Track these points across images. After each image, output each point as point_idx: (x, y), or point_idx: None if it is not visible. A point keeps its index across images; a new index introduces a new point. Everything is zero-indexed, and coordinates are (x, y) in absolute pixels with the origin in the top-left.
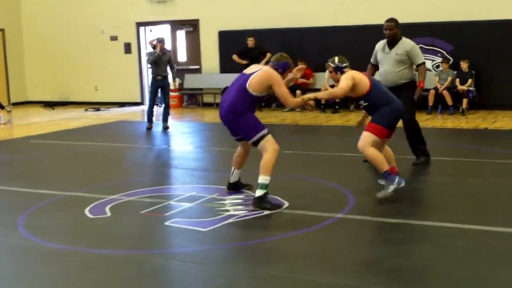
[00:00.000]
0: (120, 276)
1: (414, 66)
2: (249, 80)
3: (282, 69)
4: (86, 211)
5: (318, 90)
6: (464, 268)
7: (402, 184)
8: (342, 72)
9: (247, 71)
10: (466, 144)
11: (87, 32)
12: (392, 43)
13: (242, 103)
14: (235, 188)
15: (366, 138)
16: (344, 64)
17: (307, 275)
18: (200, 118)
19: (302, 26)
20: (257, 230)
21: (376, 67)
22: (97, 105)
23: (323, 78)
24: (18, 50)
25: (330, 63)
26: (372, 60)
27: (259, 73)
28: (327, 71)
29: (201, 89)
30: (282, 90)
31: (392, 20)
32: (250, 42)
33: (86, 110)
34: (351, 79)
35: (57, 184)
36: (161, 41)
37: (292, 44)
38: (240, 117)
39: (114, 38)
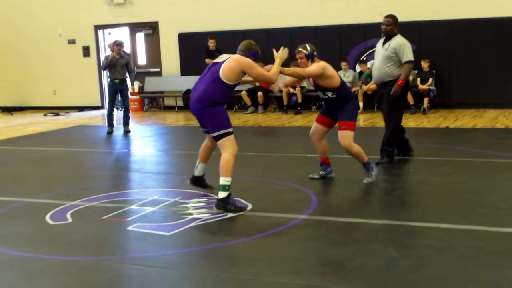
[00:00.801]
0: (83, 283)
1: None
2: (221, 68)
3: (254, 57)
4: (47, 218)
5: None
6: (428, 267)
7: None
8: (313, 60)
9: (217, 60)
10: (428, 143)
11: (45, 36)
12: (387, 39)
13: (213, 92)
14: (197, 182)
15: (348, 136)
16: (315, 53)
17: (272, 277)
18: (161, 121)
19: (262, 27)
20: (221, 233)
21: None
22: (56, 110)
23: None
24: None
25: (301, 49)
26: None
27: (229, 61)
28: (297, 57)
29: (162, 92)
30: (258, 71)
31: (390, 16)
32: (211, 44)
33: (45, 115)
34: (323, 68)
35: (16, 190)
36: (118, 44)
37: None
38: (211, 108)
39: (72, 42)
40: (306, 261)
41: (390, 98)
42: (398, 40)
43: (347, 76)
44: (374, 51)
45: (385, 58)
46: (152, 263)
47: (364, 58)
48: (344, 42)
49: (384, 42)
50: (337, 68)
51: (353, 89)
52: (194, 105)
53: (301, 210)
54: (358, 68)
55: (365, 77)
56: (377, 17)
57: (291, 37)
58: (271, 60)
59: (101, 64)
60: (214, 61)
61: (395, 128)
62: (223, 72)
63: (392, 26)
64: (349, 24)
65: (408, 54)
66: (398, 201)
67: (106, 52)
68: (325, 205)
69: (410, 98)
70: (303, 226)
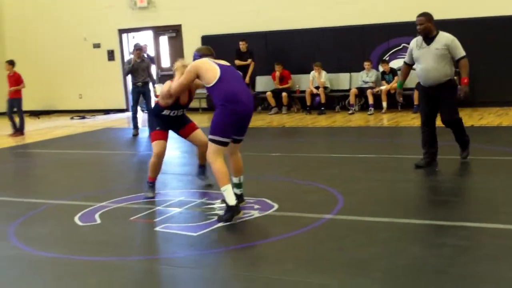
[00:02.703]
0: (112, 283)
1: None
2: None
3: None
4: (76, 219)
5: (294, 92)
6: (456, 267)
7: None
8: None
9: (221, 63)
10: (453, 142)
11: (70, 40)
12: (429, 38)
13: None
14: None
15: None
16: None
17: (298, 276)
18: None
19: (284, 28)
20: (247, 234)
21: (411, 67)
22: (82, 113)
23: (306, 80)
24: (1, 60)
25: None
26: (406, 59)
27: None
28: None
29: None
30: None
31: (422, 15)
32: (242, 45)
33: (71, 118)
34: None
35: (45, 192)
36: (138, 48)
37: (275, 47)
38: None
39: (97, 46)
40: (332, 261)
41: (451, 101)
42: (447, 36)
43: (370, 76)
44: (396, 50)
45: (438, 57)
46: (180, 263)
47: (387, 58)
48: (367, 42)
49: (426, 41)
50: (360, 68)
51: (375, 89)
52: (251, 108)
53: (327, 210)
54: (380, 68)
55: (400, 86)
56: (400, 17)
57: (312, 38)
58: (291, 61)
59: (123, 68)
60: (219, 62)
61: (461, 120)
62: None
63: (426, 24)
64: (372, 24)
65: (461, 49)
66: (424, 200)
67: (130, 55)
68: (351, 205)
69: (417, 97)
70: (329, 226)
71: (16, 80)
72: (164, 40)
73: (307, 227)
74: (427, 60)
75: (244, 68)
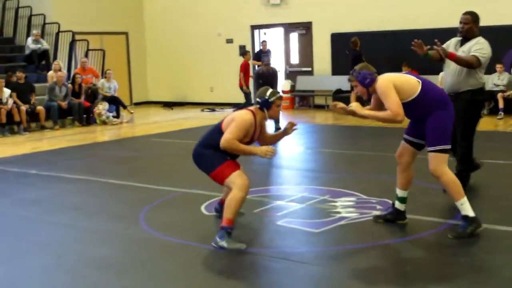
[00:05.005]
0: (233, 273)
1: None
2: None
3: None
4: (202, 208)
5: None
6: None
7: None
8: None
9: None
10: None
11: (205, 36)
12: (464, 41)
13: None
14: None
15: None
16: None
17: (418, 282)
18: (311, 120)
19: (414, 28)
20: (368, 234)
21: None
22: (212, 106)
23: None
24: (140, 53)
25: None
26: None
27: None
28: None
29: (312, 91)
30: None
31: (468, 13)
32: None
33: (202, 110)
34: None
35: (175, 181)
36: (266, 64)
37: (403, 47)
38: None
39: (229, 41)
40: (456, 267)
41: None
42: (477, 39)
43: (502, 79)
44: None
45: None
46: (300, 258)
47: None
48: (500, 43)
49: (461, 45)
50: (492, 70)
51: (507, 93)
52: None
53: (451, 215)
54: None
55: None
56: None
57: (442, 38)
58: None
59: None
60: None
61: (469, 147)
62: None
63: (471, 25)
64: (506, 25)
65: (482, 52)
66: None
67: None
68: (477, 212)
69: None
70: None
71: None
72: (294, 36)
73: (431, 231)
74: (452, 64)
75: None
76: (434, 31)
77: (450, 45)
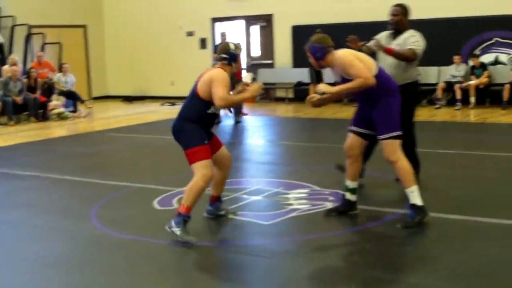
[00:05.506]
0: (185, 267)
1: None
2: None
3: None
4: (155, 203)
5: None
6: None
7: None
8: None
9: None
10: None
11: (165, 28)
12: (396, 33)
13: None
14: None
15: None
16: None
17: (367, 271)
18: (272, 113)
19: (375, 20)
20: (319, 225)
21: None
22: (173, 100)
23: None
24: (99, 47)
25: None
26: None
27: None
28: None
29: (274, 84)
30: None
31: (398, 5)
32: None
33: (162, 104)
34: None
35: (129, 176)
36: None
37: (365, 39)
38: None
39: (190, 34)
40: (402, 255)
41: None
42: (411, 32)
43: (459, 70)
44: (488, 44)
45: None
46: (250, 251)
47: (478, 52)
48: (457, 35)
49: (393, 37)
50: (450, 62)
51: (464, 84)
52: None
53: (400, 205)
54: (470, 63)
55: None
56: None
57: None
58: None
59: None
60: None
61: (411, 140)
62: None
63: (401, 17)
64: (464, 17)
65: (417, 44)
66: (501, 199)
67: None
68: (426, 201)
69: (506, 93)
70: (401, 222)
71: None
72: (255, 29)
73: (379, 221)
74: (387, 59)
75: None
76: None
77: (382, 39)
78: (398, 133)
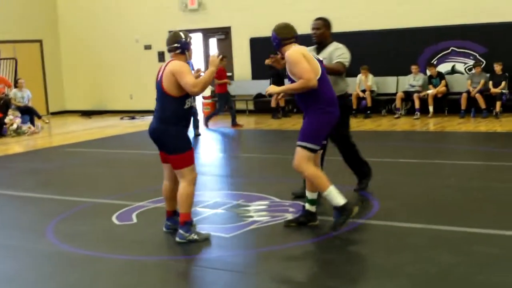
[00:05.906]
0: (144, 282)
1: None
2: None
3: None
4: (114, 218)
5: None
6: (484, 274)
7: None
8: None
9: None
10: (500, 148)
11: (122, 42)
12: (320, 47)
13: None
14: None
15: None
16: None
17: (326, 281)
18: (231, 125)
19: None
20: (279, 237)
21: None
22: (132, 114)
23: (352, 84)
24: (55, 61)
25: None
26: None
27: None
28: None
29: (233, 96)
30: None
31: (319, 19)
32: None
33: (121, 118)
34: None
35: (87, 191)
36: None
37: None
38: None
39: (148, 47)
40: (361, 265)
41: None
42: (335, 45)
43: (417, 79)
44: (445, 54)
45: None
46: (211, 264)
47: (434, 62)
48: (415, 45)
49: (318, 51)
50: (408, 71)
51: (422, 93)
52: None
53: (361, 214)
54: (428, 72)
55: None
56: (452, 19)
57: (359, 41)
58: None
59: None
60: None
61: (352, 151)
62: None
63: (323, 30)
64: (420, 27)
65: (343, 57)
66: (458, 206)
67: None
68: (386, 210)
69: (481, 102)
70: (361, 231)
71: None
72: (213, 42)
73: (339, 231)
74: None
75: None
76: (350, 34)
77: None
78: (311, 146)
